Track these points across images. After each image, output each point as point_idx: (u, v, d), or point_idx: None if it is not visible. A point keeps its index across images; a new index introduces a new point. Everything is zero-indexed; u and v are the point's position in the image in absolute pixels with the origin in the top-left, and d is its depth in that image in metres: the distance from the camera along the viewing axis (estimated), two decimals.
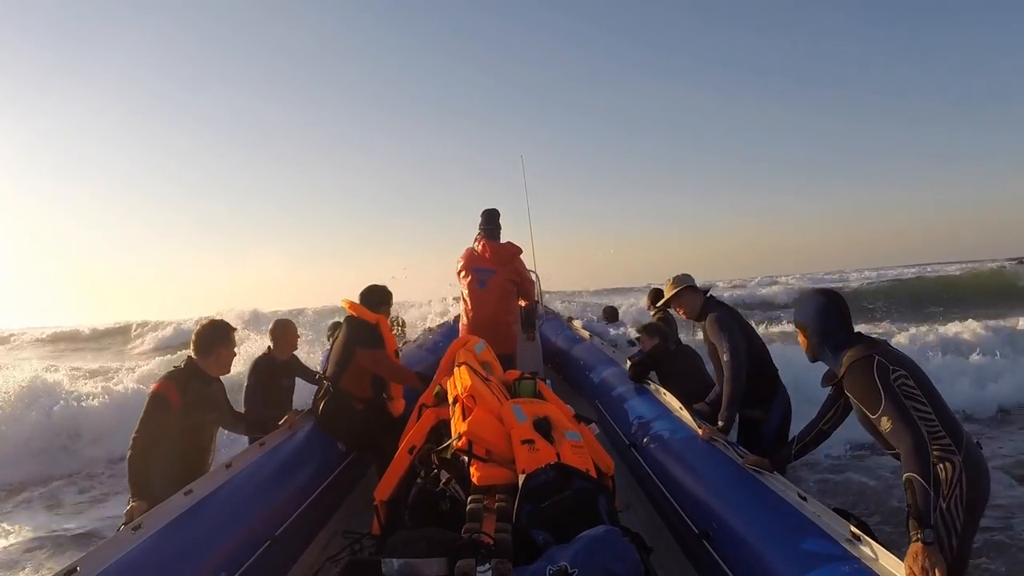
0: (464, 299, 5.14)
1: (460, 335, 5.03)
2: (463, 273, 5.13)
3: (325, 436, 3.77)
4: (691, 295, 3.88)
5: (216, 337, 3.29)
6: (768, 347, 3.87)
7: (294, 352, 4.56)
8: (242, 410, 4.03)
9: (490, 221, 5.15)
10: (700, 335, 4.61)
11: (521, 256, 5.24)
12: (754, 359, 3.62)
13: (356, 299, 4.13)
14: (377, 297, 4.16)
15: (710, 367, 4.03)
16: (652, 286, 6.47)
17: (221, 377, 3.42)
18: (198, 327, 3.32)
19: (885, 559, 2.01)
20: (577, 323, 7.43)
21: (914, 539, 1.92)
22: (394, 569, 1.90)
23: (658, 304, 4.17)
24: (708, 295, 3.89)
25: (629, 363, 5.03)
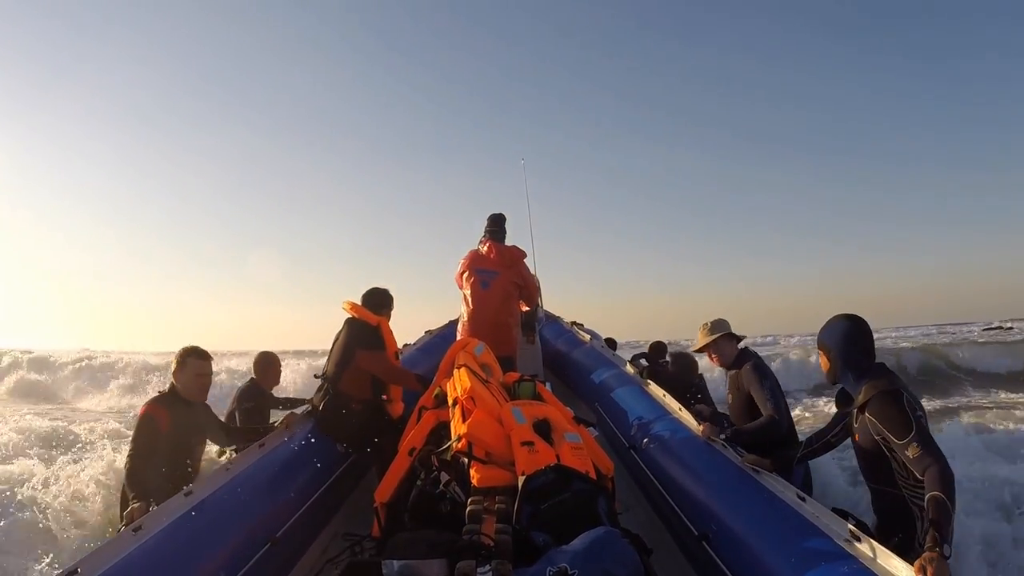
0: (465, 300, 5.12)
1: (460, 336, 5.03)
2: (466, 274, 5.12)
3: (325, 437, 3.76)
4: (728, 343, 3.84)
5: (190, 361, 3.44)
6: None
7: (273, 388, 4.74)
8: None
9: (496, 224, 5.18)
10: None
11: (525, 260, 5.25)
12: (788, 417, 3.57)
13: (358, 300, 4.14)
14: (379, 299, 4.17)
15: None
16: (637, 354, 6.53)
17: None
18: (177, 353, 3.47)
19: (884, 558, 2.02)
20: (578, 327, 7.42)
21: (930, 548, 1.93)
22: (394, 570, 1.91)
23: (691, 350, 4.11)
24: (743, 345, 3.87)
25: (634, 366, 5.09)
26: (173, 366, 3.43)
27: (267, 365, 4.67)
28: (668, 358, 5.61)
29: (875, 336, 2.67)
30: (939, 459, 2.20)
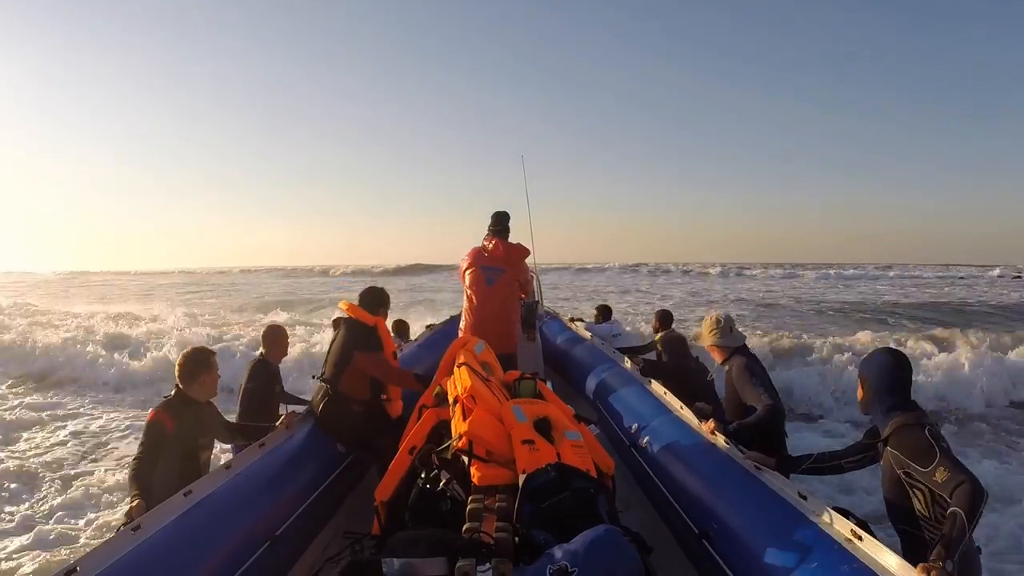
0: (468, 296, 5.11)
1: (462, 332, 5.03)
2: (470, 270, 5.11)
3: (325, 437, 3.76)
4: (731, 339, 3.89)
5: (196, 364, 3.43)
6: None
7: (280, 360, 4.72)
8: (236, 412, 4.31)
9: (500, 222, 5.20)
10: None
11: (527, 259, 5.27)
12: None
13: (355, 301, 4.14)
14: (375, 299, 4.16)
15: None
16: (630, 348, 6.48)
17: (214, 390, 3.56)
18: (180, 358, 3.47)
19: (885, 557, 2.01)
20: (578, 324, 7.43)
21: (934, 560, 1.93)
22: (394, 569, 1.90)
23: (702, 342, 4.08)
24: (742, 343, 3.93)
25: (634, 361, 5.08)
26: (177, 371, 3.43)
27: (274, 338, 4.65)
28: (659, 346, 5.53)
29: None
30: (970, 477, 2.20)
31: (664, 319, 6.30)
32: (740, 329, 4.01)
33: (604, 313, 7.94)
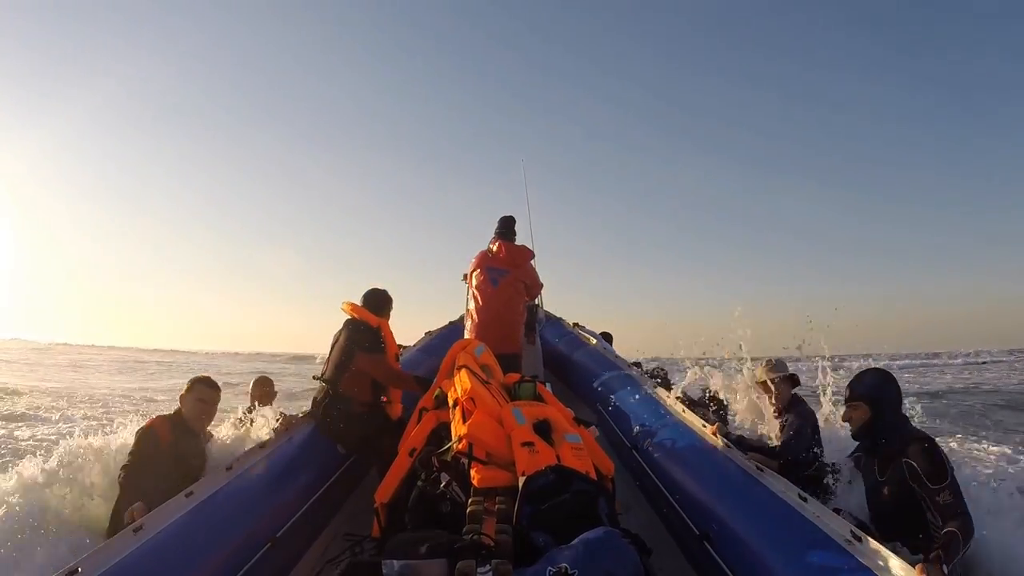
0: (474, 298, 5.16)
1: (467, 334, 5.05)
2: (476, 272, 5.17)
3: (325, 439, 3.76)
4: (787, 384, 3.84)
5: (199, 380, 3.54)
6: None
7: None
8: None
9: (506, 226, 5.28)
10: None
11: (532, 261, 5.31)
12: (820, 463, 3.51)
13: (358, 301, 4.13)
14: (380, 300, 4.13)
15: None
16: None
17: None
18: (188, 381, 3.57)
19: (884, 559, 2.02)
20: (579, 328, 7.42)
21: (934, 559, 2.00)
22: (395, 571, 1.91)
23: (762, 379, 4.00)
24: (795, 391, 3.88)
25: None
26: (183, 390, 3.50)
27: (262, 388, 4.82)
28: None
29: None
30: (966, 513, 2.34)
31: (604, 339, 6.35)
32: None
33: (606, 340, 8.01)
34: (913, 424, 2.80)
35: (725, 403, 4.83)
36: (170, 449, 3.30)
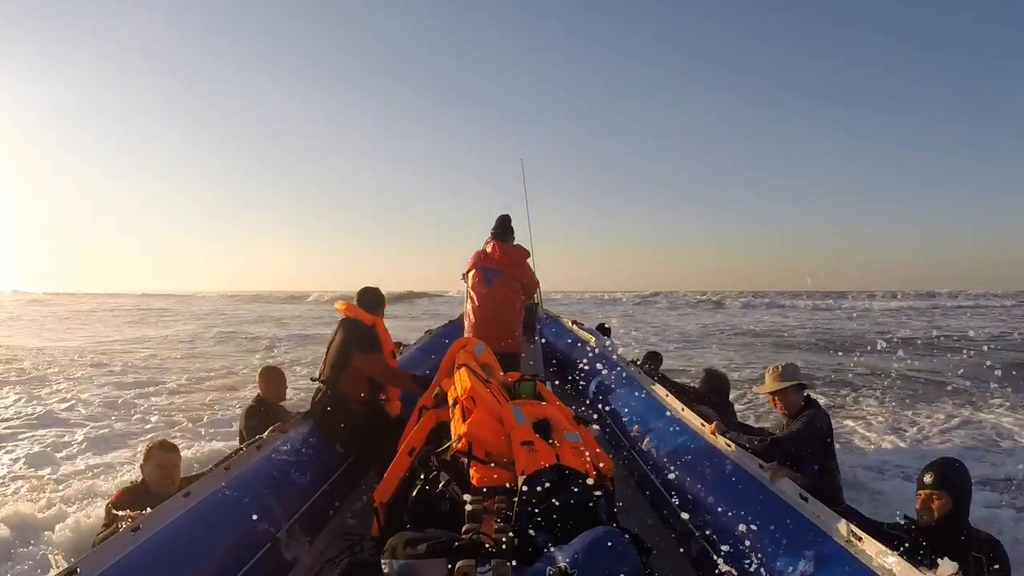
0: (470, 298, 5.23)
1: (465, 334, 5.07)
2: (472, 272, 5.24)
3: (324, 438, 3.76)
4: (796, 392, 3.62)
5: (154, 446, 3.36)
6: None
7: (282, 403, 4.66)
8: None
9: (502, 225, 5.30)
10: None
11: (528, 260, 5.32)
12: (829, 474, 3.43)
13: (353, 301, 4.14)
14: (374, 299, 4.16)
15: None
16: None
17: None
18: (146, 445, 3.41)
19: (885, 558, 2.01)
20: (578, 327, 7.43)
21: None
22: (394, 570, 1.90)
23: (756, 390, 3.88)
24: (808, 394, 3.69)
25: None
26: (141, 459, 3.36)
27: (271, 379, 4.69)
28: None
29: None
30: None
31: (653, 360, 6.28)
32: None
33: (603, 332, 8.03)
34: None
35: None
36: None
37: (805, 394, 3.66)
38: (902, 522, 2.78)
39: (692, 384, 5.76)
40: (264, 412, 4.40)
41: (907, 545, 2.64)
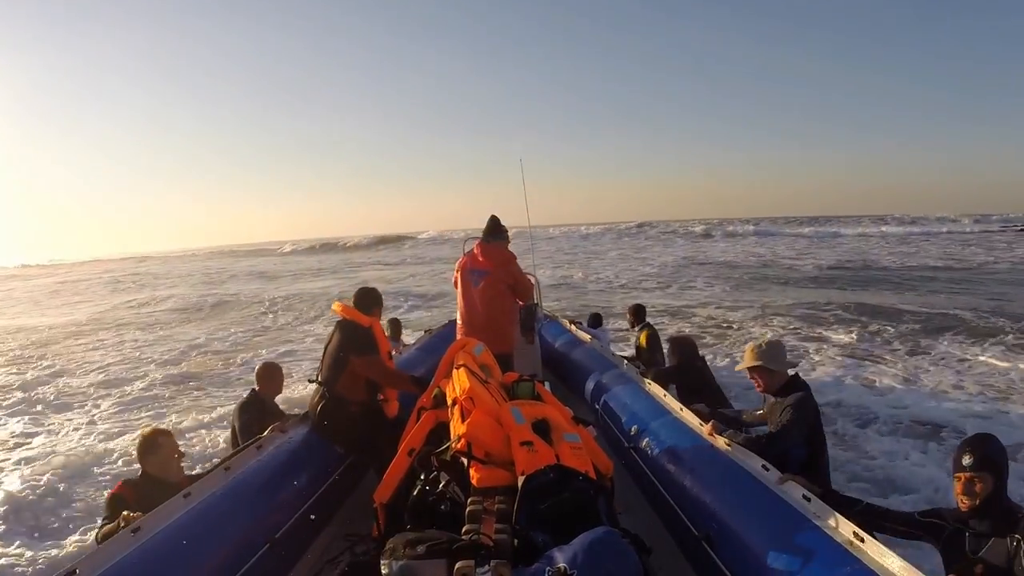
0: (458, 300, 5.26)
1: (459, 336, 5.07)
2: (458, 275, 5.28)
3: (323, 439, 3.76)
4: (780, 371, 3.47)
5: (144, 446, 3.31)
6: None
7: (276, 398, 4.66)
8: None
9: (489, 228, 5.32)
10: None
11: (517, 261, 5.32)
12: (815, 459, 3.31)
13: (349, 302, 4.14)
14: (370, 300, 4.16)
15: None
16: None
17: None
18: (139, 438, 3.37)
19: (888, 560, 2.01)
20: (577, 327, 7.44)
21: None
22: (394, 571, 1.90)
23: (737, 368, 3.67)
24: (794, 373, 3.55)
25: (650, 374, 5.07)
26: (139, 453, 3.29)
27: (268, 375, 4.66)
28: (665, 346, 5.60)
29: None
30: None
31: (638, 313, 6.32)
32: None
33: (595, 321, 8.07)
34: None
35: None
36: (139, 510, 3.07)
37: (790, 373, 3.51)
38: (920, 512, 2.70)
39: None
40: (258, 409, 4.41)
41: (949, 532, 2.54)
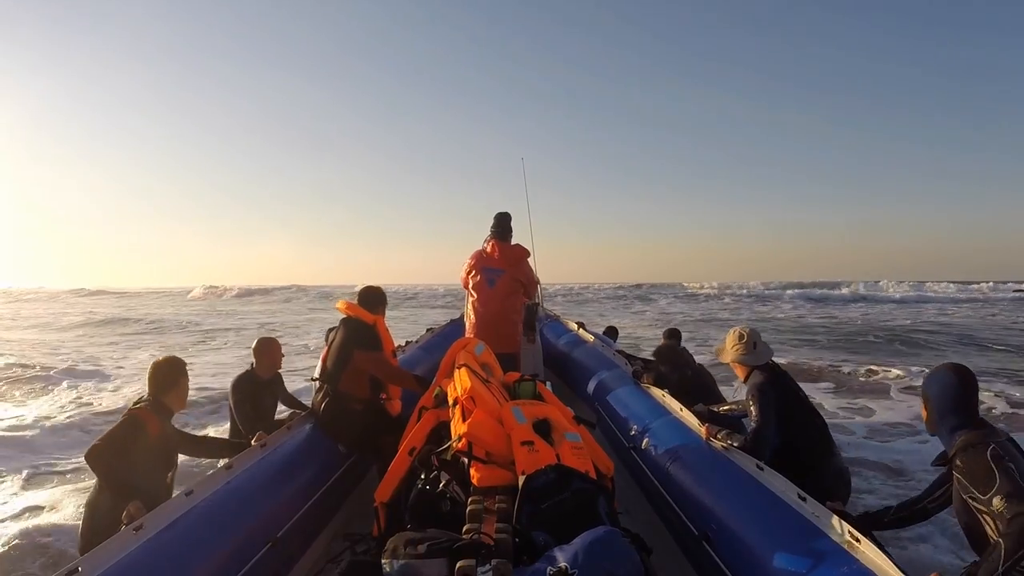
0: (471, 298, 5.22)
1: (466, 334, 5.08)
2: (472, 272, 5.23)
3: (325, 438, 3.77)
4: (754, 356, 3.54)
5: (174, 371, 3.35)
6: None
7: (279, 371, 4.58)
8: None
9: (501, 224, 5.29)
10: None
11: (528, 259, 5.32)
12: (789, 444, 3.30)
13: (354, 300, 4.16)
14: (374, 298, 4.18)
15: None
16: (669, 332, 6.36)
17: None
18: (153, 367, 3.34)
19: (883, 560, 2.02)
20: (578, 327, 7.43)
21: None
22: (395, 570, 1.91)
23: (723, 358, 3.73)
24: (768, 362, 3.57)
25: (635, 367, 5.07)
26: (153, 380, 3.27)
27: (262, 351, 4.50)
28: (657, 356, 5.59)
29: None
30: None
31: (671, 336, 6.28)
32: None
33: (610, 334, 8.04)
34: (984, 423, 2.45)
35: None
36: (158, 442, 3.16)
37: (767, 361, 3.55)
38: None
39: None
40: (251, 387, 4.31)
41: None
